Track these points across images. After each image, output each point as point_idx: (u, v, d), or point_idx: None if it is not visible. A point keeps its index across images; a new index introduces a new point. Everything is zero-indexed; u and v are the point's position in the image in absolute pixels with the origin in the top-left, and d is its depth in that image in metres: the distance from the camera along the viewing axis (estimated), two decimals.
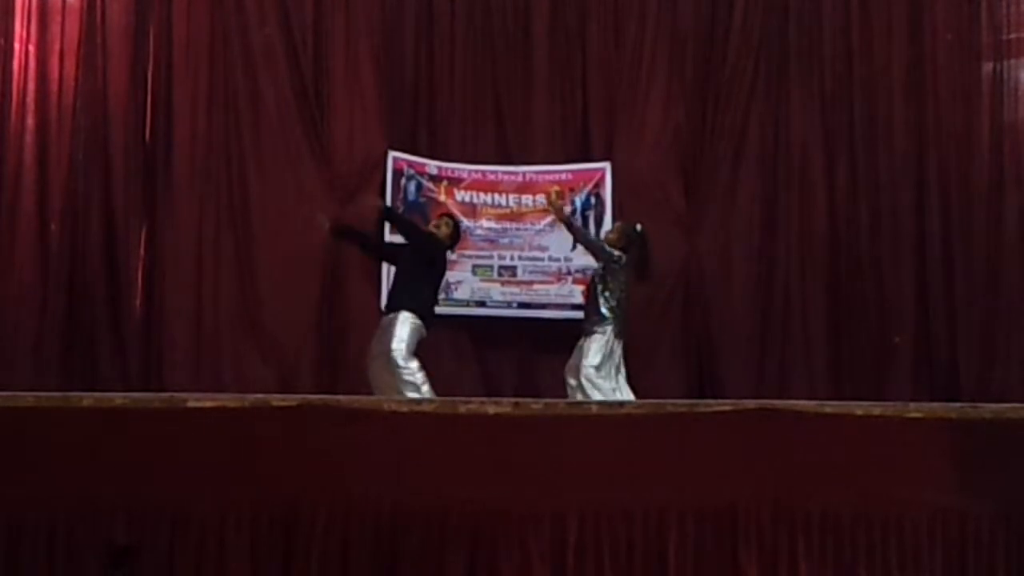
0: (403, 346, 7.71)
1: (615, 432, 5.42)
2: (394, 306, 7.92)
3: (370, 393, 7.69)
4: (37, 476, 5.07)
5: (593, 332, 8.02)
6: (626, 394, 7.91)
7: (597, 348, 7.95)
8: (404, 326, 7.77)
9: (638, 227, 8.37)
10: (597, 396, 7.74)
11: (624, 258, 8.10)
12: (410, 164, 9.23)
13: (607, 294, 8.06)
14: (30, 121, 8.78)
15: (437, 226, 8.34)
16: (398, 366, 7.67)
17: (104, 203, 8.89)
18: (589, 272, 8.49)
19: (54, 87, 8.86)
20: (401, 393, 7.49)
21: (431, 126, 9.48)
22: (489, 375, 9.23)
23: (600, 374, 7.90)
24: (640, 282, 8.36)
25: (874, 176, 9.34)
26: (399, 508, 5.15)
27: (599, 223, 9.14)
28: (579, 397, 7.79)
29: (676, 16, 9.55)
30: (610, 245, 8.21)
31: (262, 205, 9.14)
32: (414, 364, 7.70)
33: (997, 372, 8.98)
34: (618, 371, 8.02)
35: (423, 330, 7.88)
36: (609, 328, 7.99)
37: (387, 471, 5.19)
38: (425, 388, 7.61)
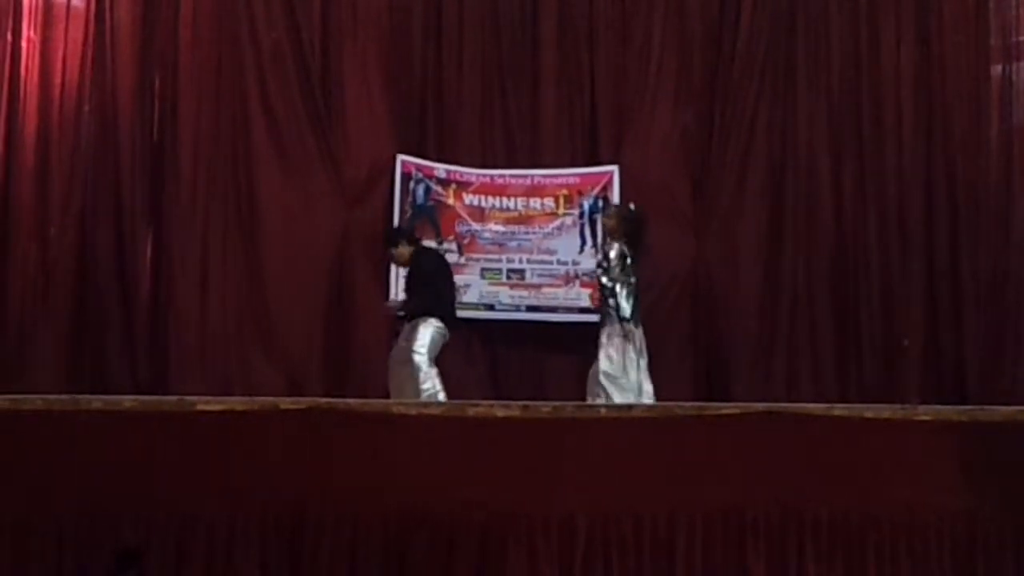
0: (426, 352, 7.81)
1: (623, 435, 5.42)
2: (417, 311, 7.97)
3: (378, 396, 7.70)
4: (46, 478, 5.09)
5: (599, 336, 8.00)
6: (646, 386, 7.91)
7: (605, 354, 7.94)
8: (427, 331, 7.84)
9: (632, 207, 8.38)
10: (616, 397, 7.75)
11: (614, 258, 8.04)
12: (418, 168, 9.24)
13: (609, 297, 8.02)
14: (38, 123, 8.80)
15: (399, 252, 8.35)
16: (419, 370, 7.75)
17: (112, 206, 8.89)
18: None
19: (61, 90, 8.87)
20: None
21: (439, 129, 9.48)
22: (497, 378, 9.22)
23: (615, 377, 7.88)
24: (640, 259, 8.28)
25: (882, 178, 9.32)
26: (407, 510, 5.17)
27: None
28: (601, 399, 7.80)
29: (684, 20, 9.54)
30: (609, 232, 8.27)
31: (270, 208, 9.14)
32: (434, 371, 7.79)
33: (1005, 374, 8.96)
34: (637, 364, 7.98)
35: (446, 334, 7.95)
36: (615, 326, 7.95)
37: (395, 473, 5.20)
38: (441, 397, 7.67)
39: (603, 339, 7.97)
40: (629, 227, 8.18)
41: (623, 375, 7.89)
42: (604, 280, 8.03)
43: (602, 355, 7.92)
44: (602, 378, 7.84)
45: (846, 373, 9.17)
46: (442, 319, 7.95)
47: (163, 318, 8.93)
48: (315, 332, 9.10)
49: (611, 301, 7.97)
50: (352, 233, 9.20)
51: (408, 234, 8.51)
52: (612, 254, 8.04)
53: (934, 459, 5.36)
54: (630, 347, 7.97)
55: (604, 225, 8.47)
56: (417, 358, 7.78)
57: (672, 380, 8.97)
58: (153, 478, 5.11)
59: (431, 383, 7.74)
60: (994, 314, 9.09)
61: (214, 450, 5.17)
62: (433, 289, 8.08)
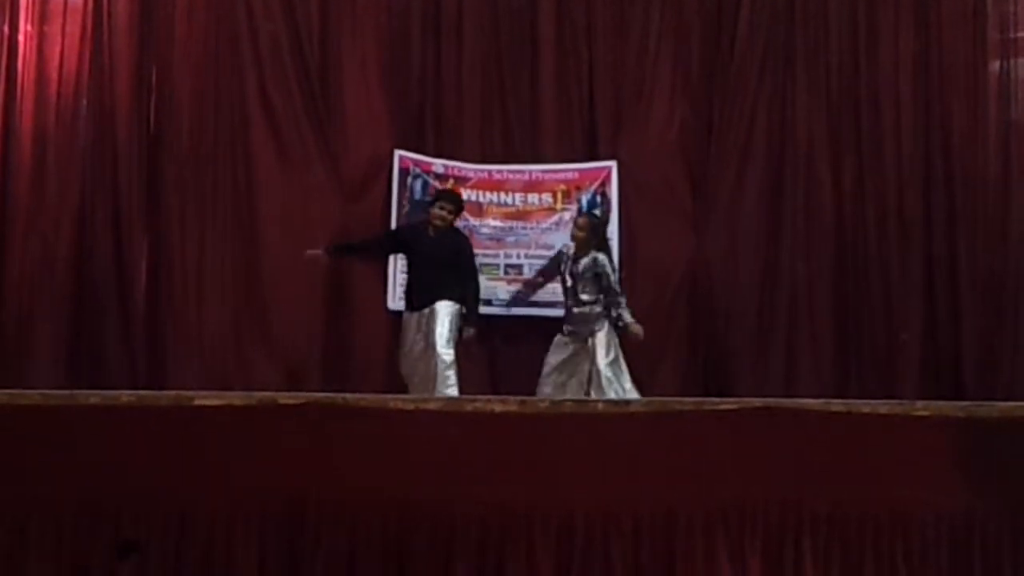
0: (447, 342, 7.97)
1: (621, 430, 5.42)
2: (432, 297, 8.10)
3: (376, 392, 7.70)
4: (44, 473, 5.08)
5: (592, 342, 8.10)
6: (628, 385, 7.98)
7: (603, 348, 8.01)
8: (444, 317, 7.90)
9: (597, 213, 8.78)
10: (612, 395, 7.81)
11: (590, 268, 8.21)
12: (416, 163, 9.22)
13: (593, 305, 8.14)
14: (34, 118, 8.81)
15: (441, 216, 8.41)
16: (443, 363, 7.89)
17: (109, 201, 8.89)
18: None
19: (58, 84, 8.88)
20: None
21: (437, 125, 9.46)
22: (495, 373, 9.21)
23: (617, 370, 7.98)
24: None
25: (880, 174, 9.31)
26: (406, 506, 5.16)
27: (605, 221, 9.14)
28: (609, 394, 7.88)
29: (682, 15, 9.52)
30: (583, 243, 8.34)
31: (268, 203, 9.13)
32: (453, 364, 7.91)
33: (1003, 371, 8.97)
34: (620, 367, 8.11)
35: (462, 309, 8.13)
36: (600, 333, 8.07)
37: (394, 469, 5.20)
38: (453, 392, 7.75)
39: (594, 344, 8.04)
40: (601, 232, 8.46)
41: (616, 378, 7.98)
42: (584, 293, 8.15)
43: (599, 360, 8.00)
44: (604, 383, 7.89)
45: (844, 369, 9.18)
46: (459, 302, 8.13)
47: (161, 314, 8.93)
48: (313, 329, 9.09)
49: (595, 310, 8.10)
50: (350, 229, 9.16)
51: (452, 199, 8.59)
52: (586, 264, 8.17)
53: (932, 455, 5.35)
54: (611, 352, 8.04)
55: (576, 238, 8.46)
56: (440, 350, 7.86)
57: (671, 376, 9.02)
58: (151, 473, 5.10)
59: (452, 377, 7.82)
60: (992, 310, 9.10)
61: (212, 445, 5.16)
62: (455, 274, 8.18)
